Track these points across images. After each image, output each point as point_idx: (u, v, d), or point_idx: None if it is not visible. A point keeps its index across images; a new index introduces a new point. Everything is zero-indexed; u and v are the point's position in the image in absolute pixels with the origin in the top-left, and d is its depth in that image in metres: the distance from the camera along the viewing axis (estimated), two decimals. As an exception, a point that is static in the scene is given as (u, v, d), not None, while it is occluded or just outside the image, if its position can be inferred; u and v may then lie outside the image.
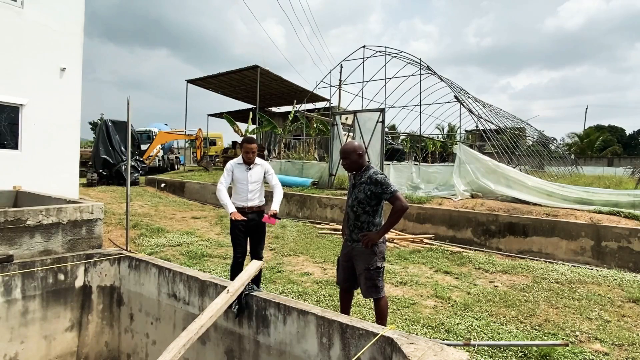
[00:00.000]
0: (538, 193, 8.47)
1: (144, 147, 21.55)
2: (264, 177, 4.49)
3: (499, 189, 9.01)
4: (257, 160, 4.44)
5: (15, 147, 8.15)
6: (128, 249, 5.37)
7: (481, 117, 14.18)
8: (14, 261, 4.45)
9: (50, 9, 8.44)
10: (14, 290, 4.40)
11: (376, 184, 3.33)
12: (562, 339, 3.77)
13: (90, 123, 42.13)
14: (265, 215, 4.31)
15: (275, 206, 4.38)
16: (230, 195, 4.40)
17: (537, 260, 6.90)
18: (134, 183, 16.31)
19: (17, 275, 4.41)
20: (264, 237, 4.52)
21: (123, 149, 16.74)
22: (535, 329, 4.02)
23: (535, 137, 22.84)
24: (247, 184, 4.31)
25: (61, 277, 4.77)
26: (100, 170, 16.46)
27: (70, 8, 8.81)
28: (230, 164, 4.45)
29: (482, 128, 13.79)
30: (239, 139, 19.85)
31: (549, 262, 6.77)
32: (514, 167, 10.64)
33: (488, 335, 3.83)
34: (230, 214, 4.19)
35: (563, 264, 6.60)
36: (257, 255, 4.34)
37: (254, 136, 16.42)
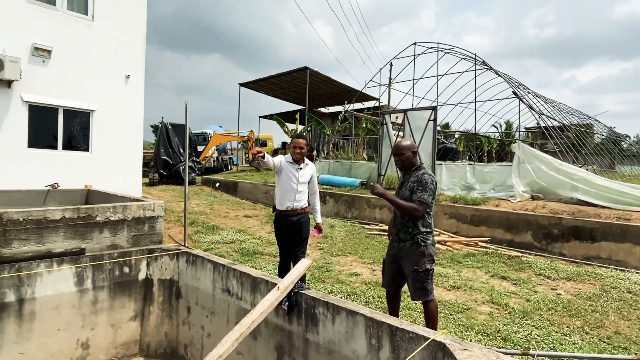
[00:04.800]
0: (607, 195, 7.81)
1: (200, 148, 22.54)
2: (310, 179, 4.32)
3: (562, 190, 8.42)
4: (307, 160, 4.31)
5: (87, 149, 8.86)
6: (186, 245, 5.65)
7: (542, 114, 13.35)
8: (86, 254, 4.85)
9: (116, 21, 9.10)
10: (85, 280, 4.80)
11: (419, 182, 3.30)
12: (635, 353, 3.45)
13: (151, 126, 44.74)
14: (315, 230, 4.34)
15: (320, 218, 4.36)
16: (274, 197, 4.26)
17: (606, 267, 6.37)
18: (192, 183, 17.11)
19: (88, 267, 4.81)
20: (307, 241, 4.31)
21: (181, 150, 17.63)
22: (604, 342, 3.71)
23: (604, 134, 21.10)
24: (297, 184, 4.13)
25: (126, 270, 5.13)
26: (161, 171, 17.43)
27: (134, 19, 9.44)
28: (280, 157, 4.27)
29: (544, 125, 12.98)
30: (289, 140, 20.19)
31: (620, 269, 6.22)
32: (580, 167, 9.89)
33: (549, 345, 3.60)
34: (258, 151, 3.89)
35: (637, 272, 6.04)
36: (296, 258, 4.11)
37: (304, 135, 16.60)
